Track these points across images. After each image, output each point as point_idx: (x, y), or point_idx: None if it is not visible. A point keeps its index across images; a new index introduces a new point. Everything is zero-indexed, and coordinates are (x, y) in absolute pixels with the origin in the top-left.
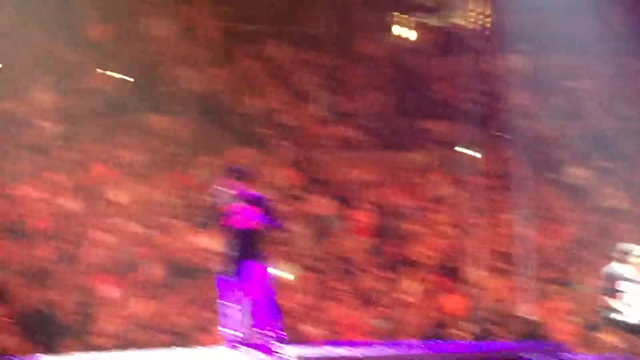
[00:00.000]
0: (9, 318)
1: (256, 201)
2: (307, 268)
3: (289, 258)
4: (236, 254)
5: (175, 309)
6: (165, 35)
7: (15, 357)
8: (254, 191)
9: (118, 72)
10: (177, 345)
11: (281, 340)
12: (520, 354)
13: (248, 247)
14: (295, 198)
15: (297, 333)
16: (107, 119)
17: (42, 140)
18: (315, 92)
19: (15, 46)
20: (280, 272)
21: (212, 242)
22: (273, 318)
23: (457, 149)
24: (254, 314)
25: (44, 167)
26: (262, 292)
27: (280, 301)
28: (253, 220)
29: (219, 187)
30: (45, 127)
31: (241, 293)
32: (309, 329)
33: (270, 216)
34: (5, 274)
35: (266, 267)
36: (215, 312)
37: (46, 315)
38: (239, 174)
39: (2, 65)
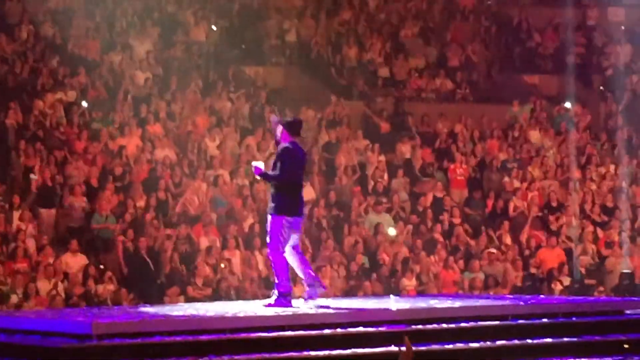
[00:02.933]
0: (110, 268)
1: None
2: (403, 220)
3: (387, 210)
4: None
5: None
6: None
7: (117, 307)
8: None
9: (218, 24)
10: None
11: (283, 293)
12: (624, 310)
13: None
14: (394, 150)
15: (392, 285)
16: (207, 71)
17: (143, 92)
18: (416, 45)
19: (117, 0)
20: (379, 225)
21: (311, 194)
22: (280, 270)
23: (559, 102)
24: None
25: (145, 119)
26: (273, 245)
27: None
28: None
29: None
30: (146, 79)
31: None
32: (404, 281)
33: (272, 169)
34: (106, 225)
35: (278, 220)
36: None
37: (146, 265)
38: (283, 123)
39: (106, 19)
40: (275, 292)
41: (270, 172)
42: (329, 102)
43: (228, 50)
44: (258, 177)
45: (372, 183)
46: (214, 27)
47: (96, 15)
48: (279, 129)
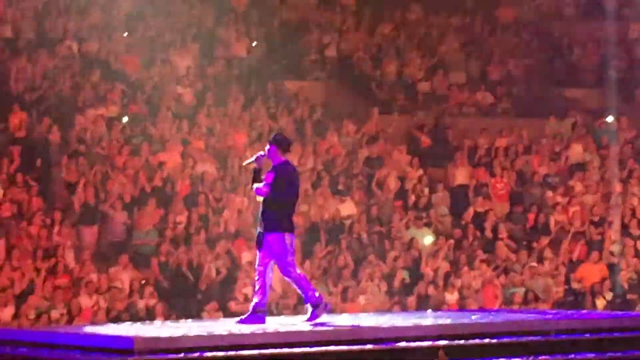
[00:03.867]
0: (151, 283)
1: (273, 169)
2: (444, 235)
3: (427, 225)
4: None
5: (312, 276)
6: (307, 1)
7: (158, 321)
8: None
9: (259, 39)
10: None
11: (316, 304)
12: None
13: (263, 215)
14: (435, 165)
15: (433, 299)
16: (247, 86)
17: (184, 107)
18: (457, 59)
19: (161, 16)
20: (418, 238)
21: (352, 209)
22: (304, 285)
23: (600, 116)
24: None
25: (185, 134)
26: (283, 264)
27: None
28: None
29: (261, 153)
30: (186, 95)
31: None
32: (445, 295)
33: (266, 184)
34: (147, 240)
35: (280, 237)
36: (352, 279)
37: (186, 280)
38: (272, 141)
39: (150, 34)
40: (309, 306)
41: (272, 192)
42: (369, 117)
43: (268, 66)
44: (260, 199)
45: (412, 198)
46: (254, 44)
47: (137, 31)
48: (268, 147)
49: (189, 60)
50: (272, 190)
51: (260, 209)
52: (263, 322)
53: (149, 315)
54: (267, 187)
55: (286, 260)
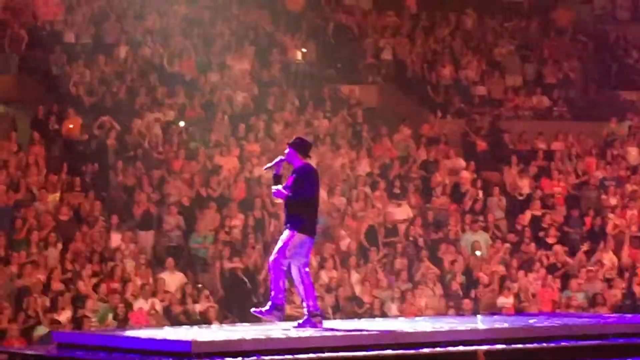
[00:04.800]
0: (207, 287)
1: (293, 172)
2: (500, 239)
3: (483, 228)
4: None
5: (370, 279)
6: (361, 5)
7: (215, 325)
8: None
9: (315, 43)
10: (372, 316)
11: (315, 313)
12: None
13: (287, 218)
14: (490, 168)
15: (488, 303)
16: (303, 90)
17: (240, 111)
18: (513, 62)
19: (217, 20)
20: (474, 242)
21: (408, 213)
22: (274, 290)
23: None
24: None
25: (242, 138)
26: (276, 257)
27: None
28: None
29: (281, 157)
30: (243, 98)
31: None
32: (501, 299)
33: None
34: (204, 244)
35: (305, 238)
36: (408, 282)
37: (243, 284)
38: (291, 145)
39: (204, 38)
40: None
41: (293, 193)
42: (424, 121)
43: (324, 69)
44: (279, 200)
45: (468, 201)
46: (303, 50)
47: (193, 35)
48: (288, 150)
49: (245, 64)
50: (292, 192)
51: (285, 212)
52: (320, 326)
53: (205, 319)
54: (288, 190)
55: (306, 260)
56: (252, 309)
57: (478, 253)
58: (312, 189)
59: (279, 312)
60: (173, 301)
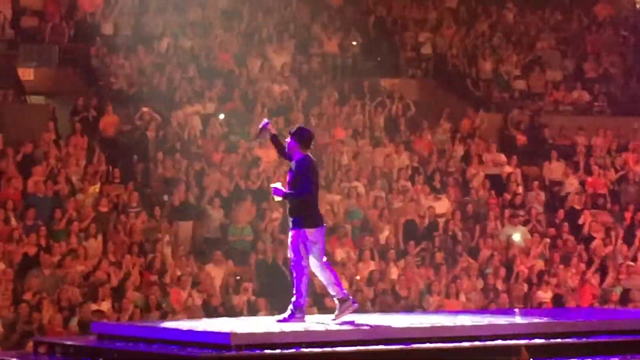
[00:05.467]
0: (246, 279)
1: (292, 168)
2: (539, 233)
3: (523, 223)
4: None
5: (408, 272)
6: None
7: (254, 317)
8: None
9: (354, 37)
10: (410, 309)
11: (296, 309)
12: None
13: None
14: (530, 163)
15: (527, 297)
16: (342, 83)
17: (280, 104)
18: (553, 56)
19: (257, 12)
20: (512, 236)
21: (447, 207)
22: (297, 285)
23: None
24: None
25: (281, 131)
26: (294, 258)
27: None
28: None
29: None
30: (282, 91)
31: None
32: (539, 294)
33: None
34: (242, 236)
35: (319, 232)
36: (446, 276)
37: (282, 276)
38: (292, 135)
39: (246, 30)
40: (291, 307)
41: (293, 191)
42: (464, 114)
43: (363, 63)
44: (279, 199)
45: (508, 196)
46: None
47: (233, 28)
48: (289, 140)
49: (285, 56)
50: (293, 191)
51: (288, 208)
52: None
53: (245, 311)
54: (288, 187)
55: (323, 255)
56: (276, 319)
57: (517, 239)
58: (313, 185)
59: (300, 314)
60: (213, 293)
